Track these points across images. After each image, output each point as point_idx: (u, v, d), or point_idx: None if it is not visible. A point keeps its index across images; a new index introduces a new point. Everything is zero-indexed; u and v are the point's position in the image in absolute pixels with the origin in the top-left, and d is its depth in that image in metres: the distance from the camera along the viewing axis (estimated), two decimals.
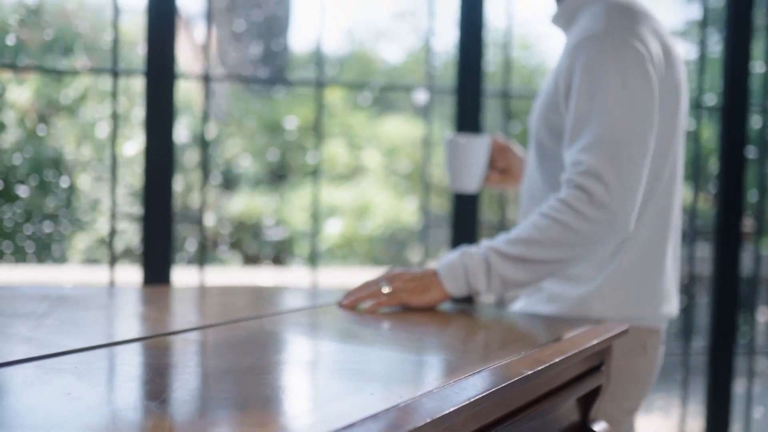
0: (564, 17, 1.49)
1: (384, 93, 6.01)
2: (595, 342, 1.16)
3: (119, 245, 5.24)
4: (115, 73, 2.15)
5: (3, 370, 0.82)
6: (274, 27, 6.30)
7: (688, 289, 2.81)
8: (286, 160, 5.95)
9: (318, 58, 2.38)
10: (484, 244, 1.33)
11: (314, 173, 2.32)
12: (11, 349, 0.94)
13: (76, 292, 1.46)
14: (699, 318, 4.16)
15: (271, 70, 6.20)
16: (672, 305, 1.49)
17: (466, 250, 1.33)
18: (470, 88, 2.33)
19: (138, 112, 5.69)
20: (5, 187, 5.34)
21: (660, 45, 1.37)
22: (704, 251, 2.80)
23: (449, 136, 1.56)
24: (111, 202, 2.16)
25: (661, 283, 1.46)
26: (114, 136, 2.18)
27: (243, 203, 5.49)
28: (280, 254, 5.52)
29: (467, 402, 0.79)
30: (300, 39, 7.12)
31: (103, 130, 5.70)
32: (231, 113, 5.93)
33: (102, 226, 5.34)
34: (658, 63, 1.35)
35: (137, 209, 5.31)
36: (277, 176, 5.93)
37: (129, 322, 1.23)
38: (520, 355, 1.01)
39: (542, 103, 1.46)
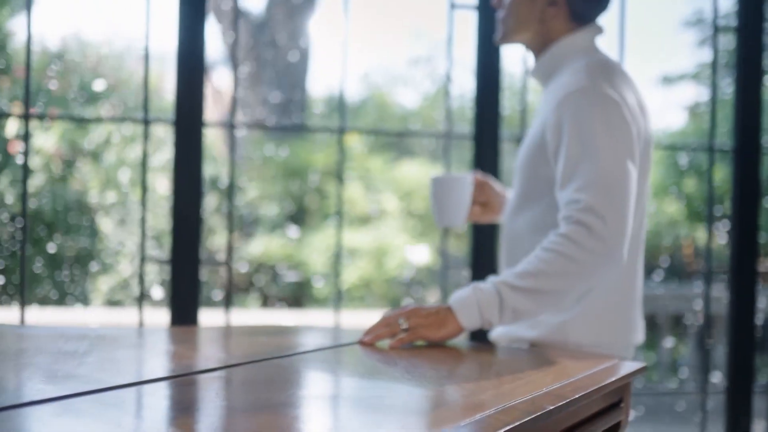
0: (542, 71, 1.66)
1: (401, 137, 6.11)
2: (614, 379, 1.20)
3: (138, 288, 5.32)
4: (146, 122, 2.23)
5: (55, 403, 0.88)
6: (292, 73, 6.43)
7: (705, 329, 2.83)
8: (304, 204, 6.04)
9: (341, 108, 2.46)
10: (492, 279, 1.43)
11: (337, 214, 2.39)
12: (60, 386, 1.00)
13: (112, 332, 1.52)
14: (716, 358, 4.16)
15: (288, 115, 6.32)
16: (639, 334, 1.65)
17: (476, 285, 1.43)
18: (488, 134, 2.40)
19: (160, 157, 5.81)
20: (31, 231, 5.45)
21: (633, 97, 1.54)
22: (720, 291, 2.83)
23: (434, 175, 1.66)
24: (138, 246, 2.23)
25: (630, 314, 1.61)
26: (144, 182, 2.26)
27: (261, 246, 5.56)
28: (298, 296, 5.57)
29: None
30: (318, 84, 7.25)
31: (125, 175, 5.82)
32: (249, 157, 6.04)
33: (124, 269, 5.42)
34: (634, 111, 1.51)
35: (158, 252, 5.39)
36: (296, 220, 6.01)
37: (163, 360, 1.29)
38: (541, 390, 1.06)
39: (529, 152, 1.60)
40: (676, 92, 7.65)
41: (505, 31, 1.68)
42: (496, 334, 1.67)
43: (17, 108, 5.81)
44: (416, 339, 1.38)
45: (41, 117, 2.34)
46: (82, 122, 5.84)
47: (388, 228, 5.64)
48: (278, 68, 6.40)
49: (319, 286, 5.55)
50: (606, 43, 2.23)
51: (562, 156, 1.48)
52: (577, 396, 1.07)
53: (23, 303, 2.25)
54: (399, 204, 5.76)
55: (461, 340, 1.49)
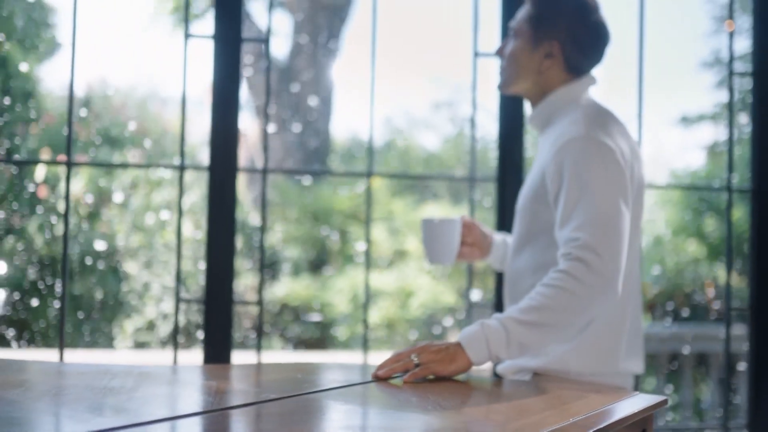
0: (539, 119, 1.79)
1: (424, 180, 6.20)
2: (637, 410, 1.26)
3: (166, 328, 5.39)
4: (181, 168, 2.32)
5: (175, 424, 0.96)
6: (315, 117, 6.55)
7: (726, 368, 2.86)
8: (327, 246, 6.12)
9: (369, 153, 2.54)
10: (497, 316, 1.51)
11: (365, 254, 2.45)
12: (113, 419, 1.07)
13: (153, 370, 1.59)
14: (739, 397, 4.16)
15: (312, 159, 6.43)
16: (638, 364, 1.75)
17: (483, 322, 1.51)
18: (510, 177, 2.47)
19: (186, 200, 5.92)
20: (57, 273, 5.55)
21: (626, 143, 1.67)
22: (740, 330, 2.86)
23: (425, 218, 1.79)
24: (166, 287, 2.30)
25: (628, 344, 1.71)
26: (179, 226, 2.34)
27: (285, 288, 5.62)
28: (320, 338, 5.62)
29: None
30: (340, 128, 7.38)
31: (151, 219, 5.92)
32: (272, 200, 6.14)
33: (150, 311, 5.51)
34: (626, 156, 1.64)
35: (184, 293, 5.48)
36: (319, 262, 6.09)
37: (203, 395, 1.35)
38: (568, 421, 1.12)
39: (529, 196, 1.72)
40: (695, 132, 7.70)
41: (505, 79, 1.81)
42: (502, 366, 1.76)
43: (46, 154, 5.96)
44: (428, 374, 1.44)
45: (71, 164, 2.44)
46: (117, 167, 5.97)
47: (411, 270, 5.71)
48: (301, 113, 6.53)
49: (342, 327, 5.61)
50: (625, 84, 2.32)
51: (561, 199, 1.60)
52: (602, 426, 1.13)
53: (62, 345, 2.32)
54: (419, 246, 5.83)
55: (481, 375, 1.56)
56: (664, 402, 1.36)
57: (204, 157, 7.24)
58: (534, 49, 1.76)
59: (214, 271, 2.23)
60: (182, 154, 2.35)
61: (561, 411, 1.22)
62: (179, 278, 2.32)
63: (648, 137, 7.97)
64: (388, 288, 5.55)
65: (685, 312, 6.16)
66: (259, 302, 2.35)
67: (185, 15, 2.46)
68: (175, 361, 2.34)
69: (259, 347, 2.39)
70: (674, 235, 6.70)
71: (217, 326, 2.20)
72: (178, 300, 2.31)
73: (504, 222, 2.48)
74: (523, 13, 1.81)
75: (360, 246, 5.81)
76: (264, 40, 2.49)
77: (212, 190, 2.24)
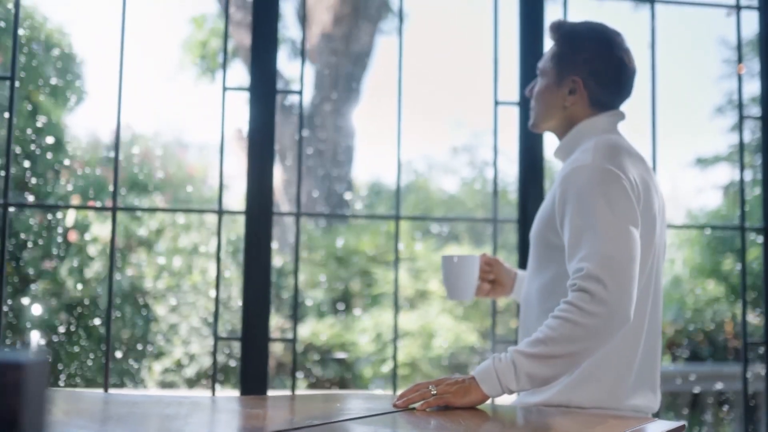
0: (564, 151, 1.83)
1: (445, 222, 6.31)
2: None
3: (192, 369, 5.49)
4: (220, 213, 2.45)
5: None
6: (337, 162, 6.70)
7: (746, 406, 2.92)
8: (350, 288, 6.23)
9: (396, 197, 2.66)
10: (509, 349, 1.56)
11: (394, 291, 2.54)
12: None
13: (201, 400, 1.70)
14: None
15: (334, 202, 6.56)
16: (648, 399, 1.72)
17: (496, 356, 1.56)
18: (532, 217, 2.58)
19: (213, 244, 6.05)
20: (87, 315, 5.68)
21: (639, 174, 1.67)
22: (758, 368, 2.92)
23: (445, 255, 1.85)
24: (194, 327, 2.41)
25: (634, 378, 1.69)
26: (218, 268, 2.46)
27: (309, 329, 5.72)
28: (345, 378, 5.70)
29: None
30: (361, 171, 7.53)
31: (178, 262, 6.05)
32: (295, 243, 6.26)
33: (177, 351, 5.61)
34: (635, 184, 1.64)
35: (210, 336, 5.58)
36: (342, 303, 6.19)
37: (249, 420, 1.46)
38: None
39: (540, 222, 1.76)
40: (711, 173, 7.79)
41: (535, 118, 1.86)
42: (507, 401, 1.81)
43: (76, 200, 6.13)
44: (442, 404, 1.51)
45: (115, 208, 2.56)
46: (159, 211, 6.11)
47: (434, 310, 5.80)
48: (324, 157, 6.68)
49: (366, 367, 5.68)
50: (642, 128, 2.42)
51: (566, 228, 1.62)
52: None
53: (107, 385, 2.43)
54: (441, 287, 5.93)
55: (506, 405, 1.65)
56: (683, 427, 1.45)
57: (227, 198, 7.40)
58: (558, 86, 1.81)
59: (250, 309, 2.35)
60: (220, 199, 2.49)
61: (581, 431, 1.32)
62: (216, 317, 2.44)
63: (665, 178, 8.05)
64: (411, 328, 5.64)
65: (705, 351, 6.18)
66: (293, 339, 2.46)
67: (223, 71, 2.62)
68: (214, 395, 2.44)
69: (293, 381, 2.49)
70: (692, 275, 6.75)
71: (253, 362, 2.31)
72: (216, 338, 2.42)
73: (526, 261, 2.58)
74: (548, 52, 1.86)
75: (383, 287, 5.91)
76: (298, 92, 2.64)
77: (249, 232, 2.37)
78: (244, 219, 2.39)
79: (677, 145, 7.77)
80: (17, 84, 2.34)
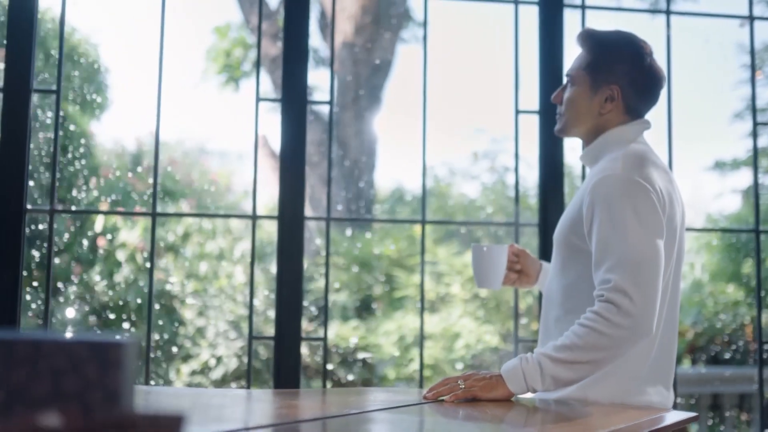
0: (590, 156, 1.89)
1: (467, 226, 6.41)
2: (672, 422, 1.45)
3: (219, 371, 5.61)
4: (254, 218, 2.57)
5: None
6: (359, 168, 6.81)
7: (764, 409, 2.98)
8: (374, 292, 6.33)
9: (423, 203, 2.77)
10: (537, 351, 1.65)
11: (420, 291, 2.62)
12: (229, 425, 1.30)
13: (241, 392, 1.81)
14: None
15: (357, 208, 6.68)
16: (663, 395, 1.78)
17: (523, 356, 1.66)
18: (551, 222, 2.68)
19: (238, 249, 6.18)
20: (117, 319, 5.82)
21: (663, 184, 1.73)
22: None
23: (475, 244, 1.93)
24: (249, 327, 2.52)
25: (649, 378, 1.76)
26: (252, 272, 2.57)
27: (333, 332, 5.82)
28: (368, 380, 5.80)
29: None
30: (383, 177, 7.65)
31: (204, 267, 6.19)
32: (319, 247, 6.37)
33: (204, 353, 5.74)
34: (661, 195, 1.70)
35: (235, 334, 5.71)
36: (366, 307, 6.30)
37: (286, 410, 1.57)
38: (610, 428, 1.31)
39: (566, 225, 1.82)
40: (730, 178, 7.84)
41: (564, 124, 1.90)
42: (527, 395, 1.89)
43: (104, 206, 6.28)
44: (470, 396, 1.62)
45: (155, 214, 2.68)
46: (194, 216, 6.25)
47: (456, 312, 5.90)
48: (346, 164, 6.79)
49: (390, 369, 5.79)
50: (655, 132, 2.50)
51: (594, 236, 1.69)
52: (645, 431, 1.32)
53: (147, 381, 2.55)
54: (463, 290, 6.02)
55: (527, 397, 1.75)
56: (696, 417, 1.54)
57: (248, 205, 7.53)
58: (593, 94, 1.85)
59: (283, 310, 2.46)
60: (254, 205, 2.60)
61: (604, 420, 1.41)
62: (251, 317, 2.55)
63: (685, 183, 8.10)
64: (433, 330, 5.74)
65: (725, 354, 6.23)
66: (324, 338, 2.57)
67: (256, 83, 2.73)
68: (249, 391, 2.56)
69: (324, 375, 2.60)
70: (712, 279, 6.80)
71: (286, 360, 2.42)
72: (251, 337, 2.54)
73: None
74: (579, 60, 1.88)
75: (406, 290, 6.01)
76: (327, 102, 2.75)
77: (281, 236, 2.48)
78: (277, 224, 2.50)
79: (697, 150, 7.82)
80: (37, 94, 2.46)
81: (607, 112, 1.85)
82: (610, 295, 1.60)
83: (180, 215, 4.91)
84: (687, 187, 8.47)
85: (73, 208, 5.81)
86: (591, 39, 1.88)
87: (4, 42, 2.44)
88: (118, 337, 0.72)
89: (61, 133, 5.74)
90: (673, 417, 1.49)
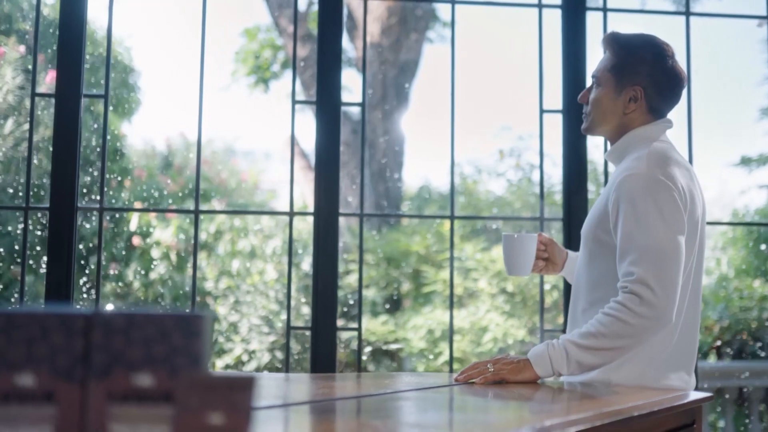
0: (615, 154, 1.98)
1: (493, 221, 6.51)
2: (686, 401, 1.56)
3: (251, 366, 5.76)
4: (291, 215, 2.70)
5: (287, 409, 1.30)
6: (387, 166, 6.93)
7: None
8: (402, 287, 6.46)
9: (451, 200, 2.88)
10: (563, 337, 1.77)
11: (449, 280, 2.71)
12: (277, 401, 1.42)
13: (279, 376, 1.94)
14: None
15: (386, 205, 6.80)
16: (683, 379, 1.86)
17: (549, 342, 1.77)
18: (575, 217, 2.78)
19: (270, 246, 6.33)
20: None
21: (685, 182, 1.82)
22: None
23: (506, 233, 2.03)
24: (287, 317, 2.65)
25: (666, 361, 1.84)
26: (289, 267, 2.70)
27: (362, 326, 5.95)
28: (398, 371, 5.92)
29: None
30: (411, 175, 7.77)
31: (237, 264, 6.34)
32: (348, 244, 6.50)
33: (237, 348, 5.89)
34: (683, 193, 1.80)
35: (268, 329, 5.85)
36: (395, 302, 6.43)
37: (323, 390, 1.68)
38: (628, 404, 1.42)
39: (593, 220, 1.92)
40: (755, 173, 7.86)
41: (590, 123, 1.99)
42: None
43: (138, 206, 6.45)
44: (498, 379, 1.73)
45: (198, 212, 2.82)
46: (234, 213, 6.41)
47: (483, 307, 6.00)
48: (374, 162, 6.92)
49: (419, 362, 5.91)
50: (678, 130, 2.59)
51: (619, 231, 1.79)
52: (655, 409, 1.43)
53: None
54: (490, 285, 6.12)
55: (552, 380, 1.86)
56: (711, 397, 1.65)
57: (276, 203, 7.68)
58: (618, 94, 1.93)
59: (320, 301, 2.59)
60: (291, 202, 2.73)
61: (622, 398, 1.52)
62: (289, 308, 2.68)
63: (712, 178, 8.14)
64: (461, 325, 5.86)
65: (752, 348, 6.27)
66: (358, 328, 2.70)
67: (292, 87, 2.86)
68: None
69: (359, 362, 2.72)
70: (738, 275, 6.83)
71: (322, 349, 2.55)
72: (289, 327, 2.67)
73: None
74: (604, 62, 1.97)
75: (434, 286, 6.12)
76: (359, 104, 2.88)
77: (317, 231, 2.61)
78: (312, 220, 2.64)
79: (723, 147, 7.85)
80: (80, 97, 2.60)
81: (630, 112, 1.93)
82: (633, 287, 1.71)
83: (221, 212, 5.07)
84: (713, 183, 8.50)
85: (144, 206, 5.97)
86: (615, 42, 1.97)
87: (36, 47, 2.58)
88: (197, 311, 0.84)
89: (90, 133, 5.91)
90: (688, 396, 1.59)
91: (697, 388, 1.92)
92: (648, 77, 1.92)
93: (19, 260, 5.32)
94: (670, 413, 1.50)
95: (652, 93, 1.93)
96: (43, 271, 4.93)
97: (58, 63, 2.63)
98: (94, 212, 5.47)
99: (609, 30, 2.87)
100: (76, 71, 2.61)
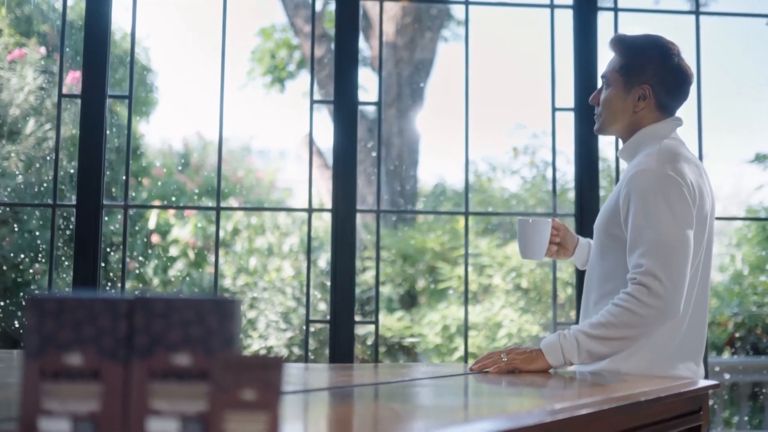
0: (627, 152, 2.04)
1: (507, 218, 6.57)
2: (692, 388, 1.61)
3: None
4: (309, 211, 2.77)
5: (308, 394, 1.37)
6: (403, 163, 6.99)
7: None
8: (417, 283, 6.52)
9: (465, 198, 2.94)
10: (574, 327, 1.83)
11: (464, 276, 2.78)
12: (294, 386, 1.49)
13: (299, 366, 2.01)
14: None
15: (401, 202, 6.87)
16: (689, 371, 1.91)
17: (561, 332, 1.83)
18: (587, 212, 2.84)
19: (287, 243, 6.40)
20: None
21: (696, 180, 1.88)
22: None
23: (521, 218, 2.10)
24: (306, 310, 2.72)
25: (674, 351, 1.89)
26: (308, 262, 2.78)
27: (379, 323, 6.03)
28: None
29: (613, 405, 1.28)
30: (426, 172, 7.83)
31: (254, 261, 6.42)
32: (365, 241, 6.58)
33: (255, 344, 5.98)
34: (692, 188, 1.85)
35: (286, 325, 5.93)
36: (410, 298, 6.49)
37: (341, 378, 1.75)
38: (636, 390, 1.48)
39: (605, 215, 1.98)
40: None
41: (602, 123, 2.05)
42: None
43: (158, 204, 6.55)
44: (512, 368, 1.80)
45: (219, 208, 2.89)
46: (254, 210, 6.48)
47: (498, 302, 6.06)
48: (390, 160, 6.98)
49: (435, 357, 5.97)
50: (689, 127, 2.63)
51: (630, 225, 1.85)
52: (662, 395, 1.49)
53: None
54: (504, 281, 6.18)
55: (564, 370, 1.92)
56: (717, 385, 1.71)
57: (292, 201, 7.76)
58: (627, 93, 1.99)
59: (338, 295, 2.66)
60: (310, 199, 2.81)
61: (630, 385, 1.58)
62: (308, 301, 2.75)
63: (727, 175, 8.15)
64: (476, 320, 5.92)
65: (766, 344, 6.29)
66: (375, 321, 2.77)
67: (311, 87, 2.93)
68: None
69: (376, 353, 2.80)
70: (752, 271, 6.84)
71: (340, 342, 2.63)
72: (308, 321, 2.74)
73: None
74: (613, 64, 2.03)
75: (449, 282, 6.18)
76: (375, 103, 2.95)
77: (335, 226, 2.69)
78: (331, 216, 2.71)
79: (738, 143, 7.86)
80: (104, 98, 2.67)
81: (640, 110, 1.99)
82: (642, 278, 1.76)
83: (242, 209, 5.16)
84: (729, 180, 8.51)
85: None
86: (622, 43, 2.03)
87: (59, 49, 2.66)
88: (229, 296, 0.91)
89: (113, 131, 6.00)
90: (694, 384, 1.65)
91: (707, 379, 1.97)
92: (655, 75, 1.98)
93: (39, 258, 5.42)
94: (677, 400, 1.55)
95: (660, 90, 1.98)
96: (63, 267, 5.02)
97: (84, 65, 2.72)
98: (112, 210, 5.56)
99: (620, 29, 2.93)
100: (101, 73, 2.69)
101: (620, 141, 2.10)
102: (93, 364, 0.87)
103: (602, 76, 2.07)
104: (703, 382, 1.70)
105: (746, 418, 5.34)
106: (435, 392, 1.49)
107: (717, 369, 5.34)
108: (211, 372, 0.86)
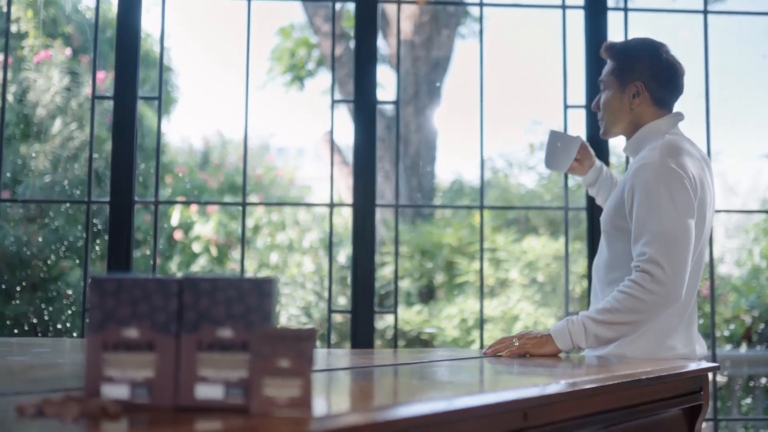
0: (632, 148, 2.15)
1: (523, 213, 6.66)
2: (693, 368, 1.72)
3: None
4: (331, 206, 2.89)
5: (331, 373, 1.48)
6: (420, 160, 7.10)
7: None
8: (435, 278, 6.63)
9: (480, 191, 3.05)
10: (582, 313, 1.94)
11: (479, 269, 2.88)
12: (322, 367, 1.60)
13: (321, 350, 2.13)
14: None
15: (419, 199, 6.98)
16: (687, 349, 2.01)
17: (570, 318, 1.94)
18: (598, 207, 2.93)
19: (307, 239, 6.53)
20: None
21: (696, 173, 1.98)
22: None
23: (553, 130, 2.20)
24: (327, 300, 2.84)
25: (680, 335, 2.00)
26: (330, 255, 2.90)
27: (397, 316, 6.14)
28: None
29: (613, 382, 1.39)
30: (443, 169, 7.93)
31: (275, 257, 6.55)
32: (383, 236, 6.69)
33: None
34: (694, 181, 1.95)
35: (306, 320, 6.06)
36: (428, 292, 6.61)
37: (362, 360, 1.86)
38: (638, 370, 1.59)
39: (611, 207, 2.08)
40: None
41: (605, 127, 2.16)
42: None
43: (182, 200, 6.70)
44: (523, 352, 1.91)
45: (245, 204, 3.02)
46: (278, 205, 6.63)
47: (515, 295, 6.17)
48: (408, 157, 7.09)
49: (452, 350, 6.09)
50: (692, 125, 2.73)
51: (634, 216, 1.95)
52: (663, 374, 1.60)
53: None
54: (521, 276, 6.28)
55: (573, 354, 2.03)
56: (717, 367, 1.81)
57: (311, 198, 7.88)
58: (622, 93, 2.09)
59: (359, 286, 2.78)
60: (331, 195, 2.93)
61: (633, 366, 1.69)
62: (330, 292, 2.88)
63: (744, 169, 8.19)
64: (493, 314, 6.02)
65: None
66: (394, 310, 2.89)
67: (332, 87, 3.05)
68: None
69: (395, 340, 2.91)
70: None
71: (361, 331, 2.75)
72: (330, 311, 2.87)
73: (594, 243, 2.94)
74: (607, 68, 2.15)
75: (466, 276, 6.28)
76: (394, 102, 3.06)
77: (356, 221, 2.81)
78: (351, 211, 2.83)
79: (756, 138, 7.89)
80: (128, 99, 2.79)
81: (637, 107, 2.10)
82: (646, 266, 1.86)
83: (266, 204, 5.29)
84: (746, 175, 8.54)
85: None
86: (612, 49, 2.16)
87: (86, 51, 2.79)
88: (267, 276, 1.03)
89: (140, 132, 6.14)
90: (693, 365, 1.75)
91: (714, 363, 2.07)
92: (646, 71, 2.09)
93: (65, 253, 5.57)
94: (678, 379, 1.66)
95: (653, 85, 2.09)
96: (91, 262, 5.17)
97: (116, 67, 2.85)
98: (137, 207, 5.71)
99: (629, 29, 3.03)
100: (132, 74, 2.82)
101: (624, 138, 2.20)
102: (147, 336, 0.99)
103: (599, 82, 2.19)
104: (702, 364, 1.80)
105: (763, 412, 5.40)
106: (451, 371, 1.60)
107: (727, 363, 5.40)
108: (250, 343, 0.98)
